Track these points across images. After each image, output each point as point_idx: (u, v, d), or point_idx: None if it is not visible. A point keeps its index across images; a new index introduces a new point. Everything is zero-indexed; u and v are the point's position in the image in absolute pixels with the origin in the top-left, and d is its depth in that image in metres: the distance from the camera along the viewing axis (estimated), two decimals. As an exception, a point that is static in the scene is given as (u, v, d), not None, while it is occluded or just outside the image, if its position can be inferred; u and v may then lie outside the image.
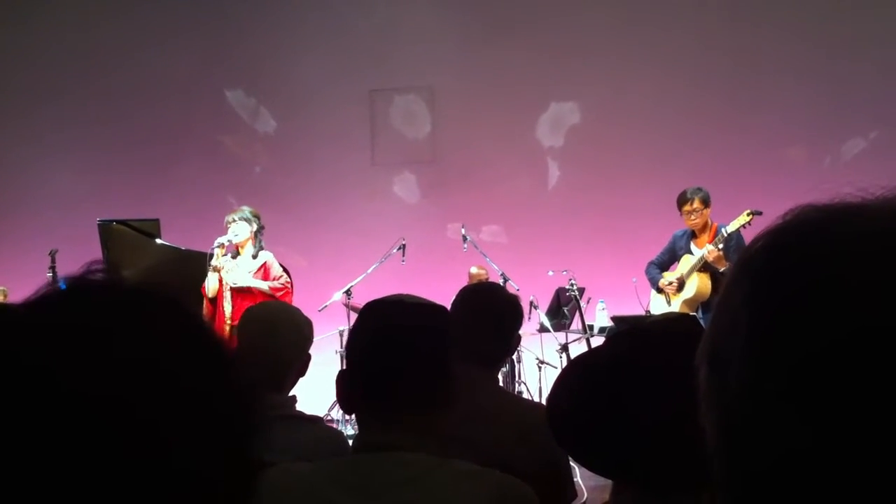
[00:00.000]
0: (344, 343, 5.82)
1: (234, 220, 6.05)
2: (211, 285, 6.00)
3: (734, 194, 6.73)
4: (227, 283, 6.00)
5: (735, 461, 0.58)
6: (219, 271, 5.99)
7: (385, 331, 1.56)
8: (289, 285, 6.12)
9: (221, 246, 6.01)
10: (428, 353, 1.54)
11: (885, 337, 0.51)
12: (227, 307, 5.95)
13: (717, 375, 0.59)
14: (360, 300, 6.68)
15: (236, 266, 6.05)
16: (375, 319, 1.61)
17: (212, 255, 6.01)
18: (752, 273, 0.59)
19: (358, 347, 1.60)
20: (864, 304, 0.52)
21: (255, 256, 6.08)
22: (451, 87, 9.24)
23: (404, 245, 7.38)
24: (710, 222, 5.88)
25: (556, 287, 7.41)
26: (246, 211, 6.10)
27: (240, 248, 6.09)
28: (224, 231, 6.07)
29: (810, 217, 0.58)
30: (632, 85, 8.81)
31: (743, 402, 0.56)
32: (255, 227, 6.08)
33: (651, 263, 6.23)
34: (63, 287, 0.65)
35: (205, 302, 6.04)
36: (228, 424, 0.63)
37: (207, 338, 0.66)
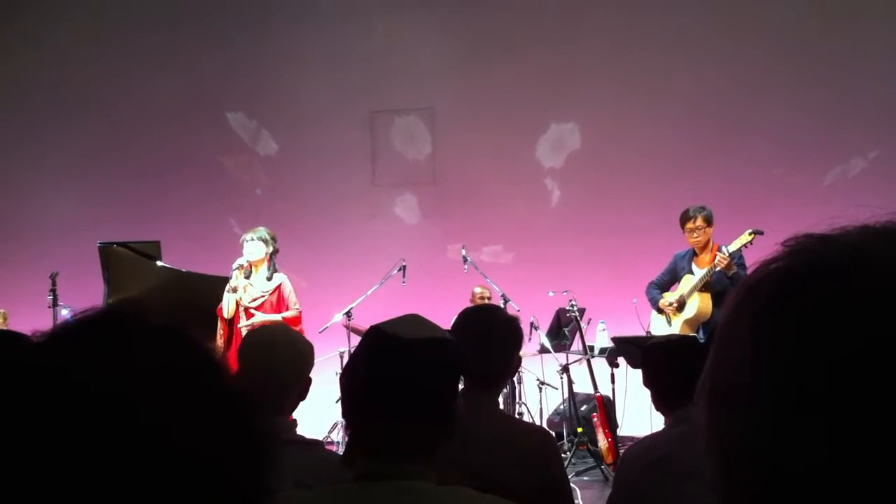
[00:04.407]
0: (345, 366, 5.82)
1: (251, 240, 6.06)
2: (228, 307, 6.01)
3: (734, 214, 6.73)
4: (242, 305, 6.02)
5: (744, 490, 0.57)
6: (236, 292, 6.00)
7: (386, 365, 1.53)
8: (300, 312, 6.16)
9: (240, 267, 6.04)
10: (429, 390, 1.52)
11: None
12: (244, 328, 5.96)
13: (724, 409, 0.58)
14: (361, 321, 6.67)
15: (250, 286, 6.07)
16: (377, 351, 1.58)
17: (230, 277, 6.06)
18: (759, 301, 0.58)
19: (356, 378, 1.58)
20: (880, 317, 0.52)
21: (269, 279, 6.09)
22: (451, 108, 9.28)
23: (405, 266, 7.38)
24: (711, 241, 5.87)
25: (557, 308, 7.40)
26: (263, 231, 6.11)
27: (254, 268, 6.10)
28: (226, 251, 6.09)
29: (811, 244, 0.58)
30: (632, 106, 8.83)
31: (757, 429, 0.55)
32: (270, 248, 6.09)
33: (651, 284, 6.21)
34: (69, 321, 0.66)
35: (221, 323, 6.05)
36: (235, 461, 0.63)
37: (204, 364, 0.66)
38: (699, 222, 5.81)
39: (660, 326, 6.09)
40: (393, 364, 1.53)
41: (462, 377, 1.65)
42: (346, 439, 1.69)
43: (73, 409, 0.57)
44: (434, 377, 1.53)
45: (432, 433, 1.51)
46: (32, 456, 0.56)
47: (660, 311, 6.11)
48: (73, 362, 0.60)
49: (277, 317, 5.96)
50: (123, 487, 0.57)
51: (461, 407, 1.59)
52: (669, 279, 6.15)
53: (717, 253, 5.58)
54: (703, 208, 5.86)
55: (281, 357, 2.41)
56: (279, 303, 6.10)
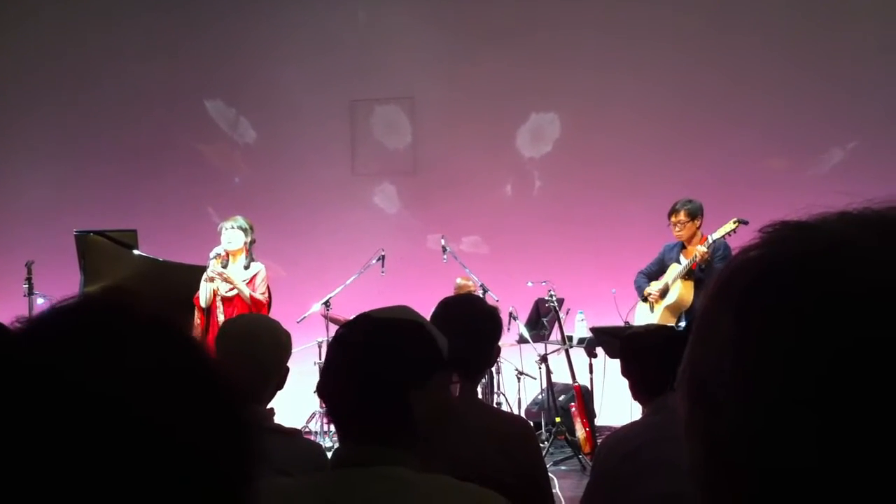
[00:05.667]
0: (323, 355, 5.82)
1: (230, 228, 6.02)
2: (205, 296, 5.97)
3: (716, 205, 6.75)
4: (219, 295, 5.98)
5: (726, 479, 0.56)
6: (213, 281, 5.97)
7: (358, 352, 1.52)
8: (268, 303, 6.12)
9: (218, 256, 6.00)
10: (396, 369, 1.51)
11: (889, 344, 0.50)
12: (220, 317, 5.93)
13: (705, 399, 0.57)
14: (340, 311, 6.66)
15: (226, 274, 6.04)
16: (347, 328, 1.59)
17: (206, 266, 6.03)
18: (737, 292, 0.57)
19: (332, 366, 1.57)
20: (867, 313, 0.51)
21: (246, 267, 6.06)
22: (431, 97, 9.25)
23: (384, 256, 7.36)
24: (699, 234, 5.92)
25: (536, 298, 7.43)
26: (241, 220, 6.08)
27: (231, 257, 6.06)
28: (204, 240, 6.05)
29: (788, 233, 0.57)
30: (612, 96, 8.85)
31: (740, 421, 0.54)
32: (249, 238, 6.06)
33: (640, 273, 6.28)
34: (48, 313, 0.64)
35: (198, 313, 6.02)
36: (218, 450, 0.62)
37: (190, 355, 0.65)
38: (682, 216, 5.88)
39: (643, 314, 6.14)
40: (359, 341, 1.53)
41: (443, 367, 1.64)
42: (325, 429, 1.69)
43: (66, 409, 0.56)
44: (402, 357, 1.52)
45: (400, 416, 1.50)
46: (29, 456, 0.55)
47: (645, 299, 6.16)
48: (64, 358, 0.58)
49: (247, 290, 5.95)
50: (119, 485, 0.56)
51: (450, 397, 1.59)
52: (658, 269, 6.21)
53: (698, 247, 5.63)
54: (689, 202, 5.92)
55: (262, 346, 2.40)
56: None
